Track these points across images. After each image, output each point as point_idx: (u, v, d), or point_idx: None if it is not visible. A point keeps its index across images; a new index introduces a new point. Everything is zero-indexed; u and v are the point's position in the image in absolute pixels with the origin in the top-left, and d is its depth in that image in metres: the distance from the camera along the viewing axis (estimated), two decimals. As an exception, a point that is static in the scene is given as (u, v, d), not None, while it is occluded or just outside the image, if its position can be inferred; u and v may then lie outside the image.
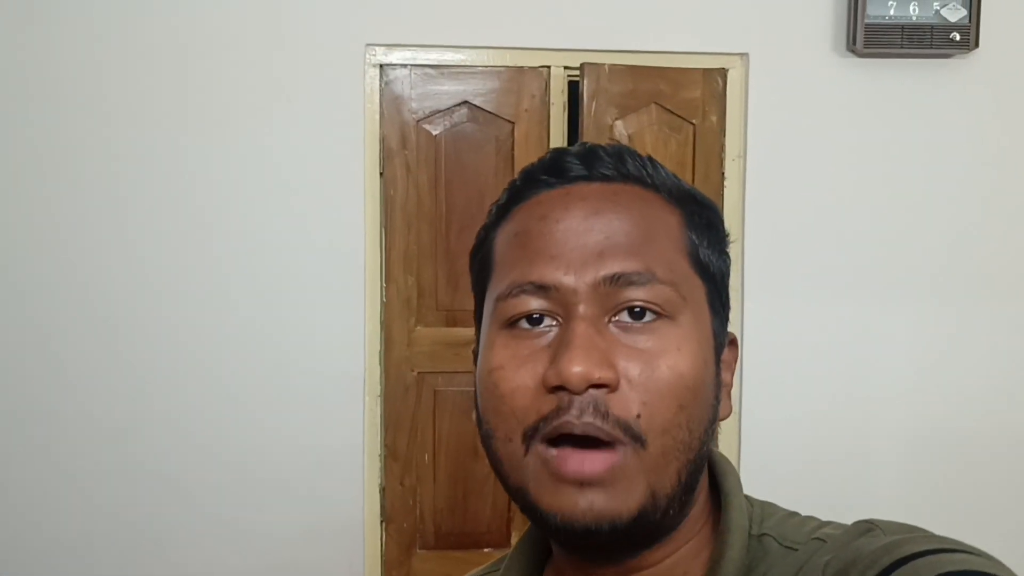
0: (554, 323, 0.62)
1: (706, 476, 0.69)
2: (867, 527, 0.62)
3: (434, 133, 3.22)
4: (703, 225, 0.68)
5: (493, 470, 0.64)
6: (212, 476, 3.14)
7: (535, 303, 0.62)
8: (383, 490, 3.25)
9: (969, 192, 3.35)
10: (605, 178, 0.66)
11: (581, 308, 0.61)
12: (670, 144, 3.28)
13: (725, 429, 3.35)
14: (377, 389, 3.23)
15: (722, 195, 3.33)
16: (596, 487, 0.59)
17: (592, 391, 0.59)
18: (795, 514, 0.69)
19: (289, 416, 3.16)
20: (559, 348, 0.60)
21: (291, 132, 3.13)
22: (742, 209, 3.33)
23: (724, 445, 3.35)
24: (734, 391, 2.91)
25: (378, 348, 3.22)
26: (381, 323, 3.22)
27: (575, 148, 0.68)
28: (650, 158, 0.69)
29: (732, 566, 0.63)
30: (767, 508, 0.69)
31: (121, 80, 3.06)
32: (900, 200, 3.34)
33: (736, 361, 0.71)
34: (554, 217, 0.64)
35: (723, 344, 0.68)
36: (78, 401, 3.08)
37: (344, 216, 3.16)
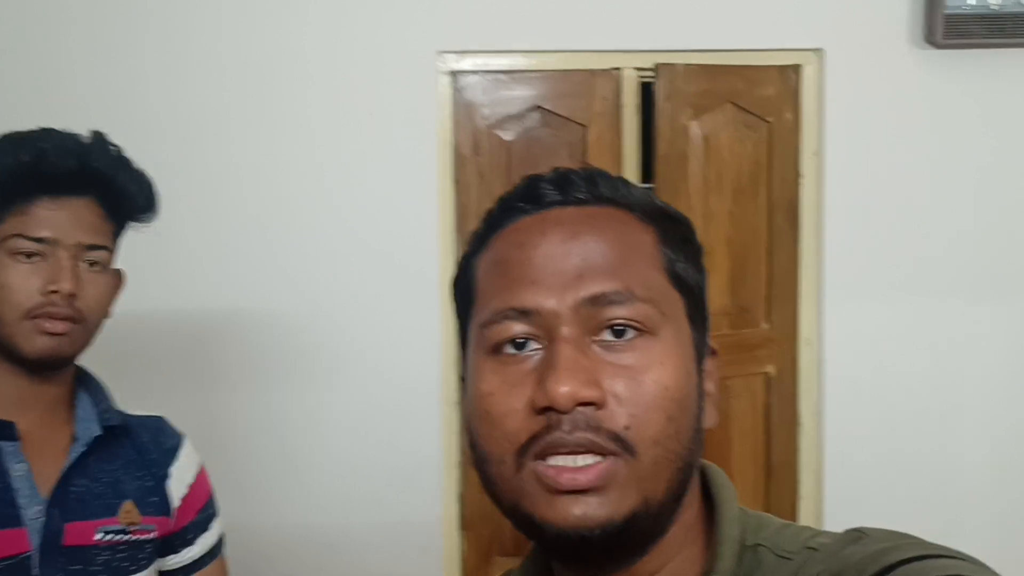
0: (539, 347, 0.64)
1: (698, 487, 0.70)
2: (857, 535, 0.64)
3: (506, 139, 3.20)
4: (678, 240, 0.70)
5: (487, 492, 0.66)
6: (291, 484, 3.16)
7: (518, 328, 0.64)
8: (461, 497, 3.24)
9: (1058, 186, 3.26)
10: (579, 201, 0.68)
11: (564, 330, 0.63)
12: (746, 143, 3.23)
13: (807, 433, 3.30)
14: (453, 397, 3.22)
15: (799, 194, 3.28)
16: (589, 495, 0.61)
17: (580, 409, 0.61)
18: (790, 525, 0.70)
19: (366, 425, 3.17)
20: (545, 370, 0.62)
21: (364, 141, 3.13)
22: (819, 208, 3.27)
23: (806, 449, 3.30)
24: (814, 393, 2.87)
25: (453, 355, 3.21)
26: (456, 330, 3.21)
27: (548, 174, 0.70)
28: (622, 179, 0.71)
29: None
30: (762, 519, 0.70)
31: (193, 93, 3.09)
32: (984, 198, 3.25)
33: (718, 371, 0.72)
34: (532, 243, 0.66)
35: (704, 355, 0.70)
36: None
37: (418, 223, 3.15)
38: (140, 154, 1.34)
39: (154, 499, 1.31)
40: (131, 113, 2.99)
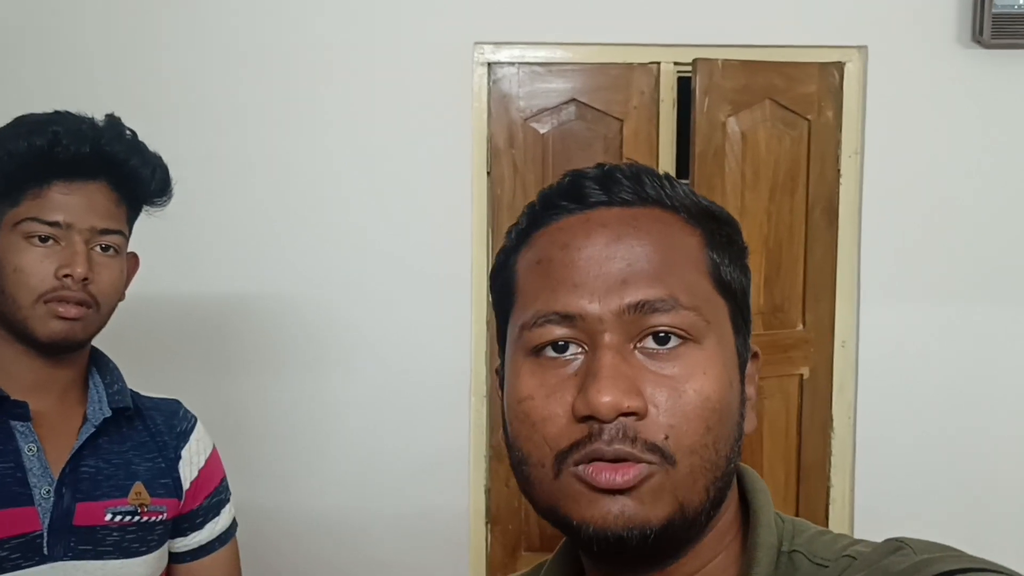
0: (580, 351, 0.64)
1: (736, 492, 0.70)
2: (897, 545, 0.62)
3: (541, 131, 3.18)
4: (724, 242, 0.69)
5: (523, 493, 0.66)
6: (319, 476, 3.17)
7: (560, 331, 0.64)
8: (488, 491, 3.23)
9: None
10: (624, 202, 0.67)
11: (607, 336, 0.62)
12: (784, 141, 3.18)
13: (840, 436, 3.25)
14: (483, 390, 3.21)
15: (837, 194, 3.22)
16: (627, 496, 0.61)
17: (621, 419, 0.61)
18: (827, 531, 0.69)
19: (395, 417, 3.17)
20: (587, 377, 0.62)
21: (399, 131, 3.13)
22: (859, 208, 3.21)
23: (838, 451, 3.25)
24: (849, 396, 2.81)
25: (484, 348, 3.20)
26: (487, 323, 3.20)
27: (592, 172, 0.69)
28: (668, 177, 0.69)
29: None
30: (798, 525, 0.69)
31: (227, 83, 3.10)
32: (1028, 199, 3.19)
33: (759, 374, 0.72)
34: (576, 245, 0.65)
35: (747, 360, 0.69)
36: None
37: (451, 215, 3.15)
38: (177, 140, 1.34)
39: (165, 481, 1.31)
40: (162, 98, 3.01)
